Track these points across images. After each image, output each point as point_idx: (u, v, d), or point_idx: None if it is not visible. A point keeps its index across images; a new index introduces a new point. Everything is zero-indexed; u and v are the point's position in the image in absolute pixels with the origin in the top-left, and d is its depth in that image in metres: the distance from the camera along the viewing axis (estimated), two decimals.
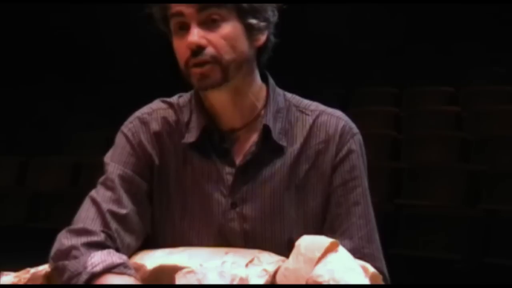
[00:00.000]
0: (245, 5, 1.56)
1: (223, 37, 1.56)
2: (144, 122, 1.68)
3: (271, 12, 1.61)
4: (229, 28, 1.56)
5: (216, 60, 1.55)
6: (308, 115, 1.67)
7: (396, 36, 8.32)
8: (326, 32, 8.15)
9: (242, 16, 1.57)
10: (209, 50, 1.55)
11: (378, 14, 8.34)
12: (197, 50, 1.55)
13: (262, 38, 1.62)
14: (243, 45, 1.59)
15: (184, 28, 1.57)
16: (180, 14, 1.56)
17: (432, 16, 8.17)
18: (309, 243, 1.44)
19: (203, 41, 1.55)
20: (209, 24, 1.56)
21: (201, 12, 1.55)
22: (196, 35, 1.54)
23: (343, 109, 1.74)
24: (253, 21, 1.58)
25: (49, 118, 7.95)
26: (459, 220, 4.90)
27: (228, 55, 1.56)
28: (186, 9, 1.55)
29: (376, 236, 1.65)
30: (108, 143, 1.74)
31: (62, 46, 8.14)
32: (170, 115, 1.68)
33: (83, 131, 7.60)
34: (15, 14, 8.10)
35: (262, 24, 1.60)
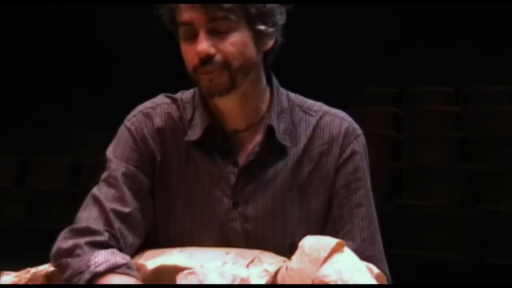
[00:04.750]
0: (254, 12, 1.55)
1: (232, 44, 1.55)
2: (147, 116, 1.66)
3: (279, 15, 1.60)
4: (238, 35, 1.55)
5: (224, 66, 1.54)
6: (311, 115, 1.67)
7: (396, 36, 8.32)
8: (326, 32, 8.15)
9: (251, 23, 1.56)
10: (218, 58, 1.54)
11: (378, 13, 8.34)
12: (206, 58, 1.54)
13: (271, 42, 1.61)
14: (252, 51, 1.58)
15: (193, 35, 1.56)
16: (189, 23, 1.55)
17: (432, 16, 8.17)
18: (314, 243, 1.43)
19: (212, 50, 1.54)
20: (218, 32, 1.54)
21: (211, 22, 1.54)
22: (205, 44, 1.53)
23: (343, 109, 1.74)
24: (262, 27, 1.57)
25: (49, 118, 7.94)
26: (459, 220, 4.88)
27: (236, 62, 1.55)
28: (196, 18, 1.54)
29: (379, 238, 1.64)
30: (108, 143, 1.72)
31: (62, 46, 8.14)
32: (174, 110, 1.67)
33: (83, 131, 7.60)
34: (15, 14, 8.10)
35: (271, 29, 1.59)
